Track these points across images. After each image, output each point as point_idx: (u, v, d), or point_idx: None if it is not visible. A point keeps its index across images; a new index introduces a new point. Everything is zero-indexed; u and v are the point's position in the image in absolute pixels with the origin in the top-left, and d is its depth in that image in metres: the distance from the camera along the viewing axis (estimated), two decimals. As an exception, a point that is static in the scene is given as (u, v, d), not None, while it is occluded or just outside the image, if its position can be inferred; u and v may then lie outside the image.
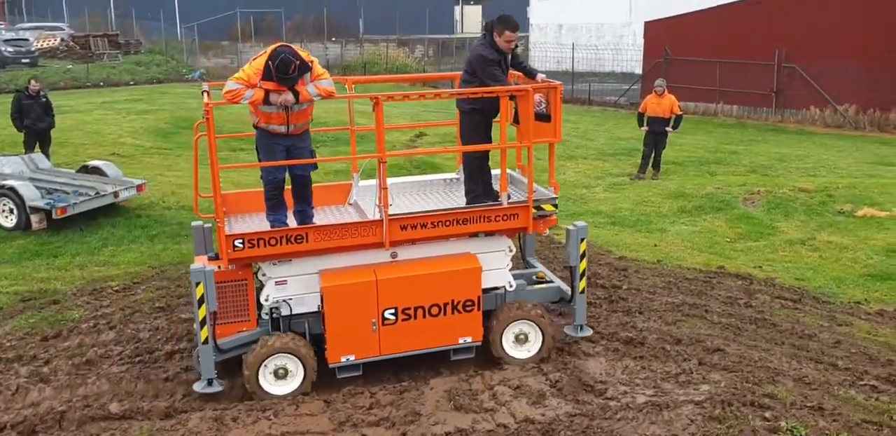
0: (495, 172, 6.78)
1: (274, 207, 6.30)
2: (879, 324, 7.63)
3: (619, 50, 29.46)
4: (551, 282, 7.26)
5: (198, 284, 5.82)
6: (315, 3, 42.36)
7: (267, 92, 5.85)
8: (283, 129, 6.08)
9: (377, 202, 6.21)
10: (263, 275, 6.20)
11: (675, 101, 14.14)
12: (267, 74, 5.81)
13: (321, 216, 6.72)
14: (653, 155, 14.41)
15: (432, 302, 6.30)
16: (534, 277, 7.39)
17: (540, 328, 6.65)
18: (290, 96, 5.89)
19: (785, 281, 8.82)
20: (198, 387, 6.07)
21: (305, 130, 6.27)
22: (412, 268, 6.33)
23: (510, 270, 6.78)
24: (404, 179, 7.64)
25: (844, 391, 6.13)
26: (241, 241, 5.87)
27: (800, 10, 21.22)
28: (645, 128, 14.34)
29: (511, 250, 6.71)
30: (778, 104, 22.00)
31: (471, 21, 53.58)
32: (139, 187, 11.54)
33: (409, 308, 6.27)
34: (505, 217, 6.46)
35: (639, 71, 26.79)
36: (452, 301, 6.34)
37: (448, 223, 6.34)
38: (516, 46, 6.81)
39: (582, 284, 6.79)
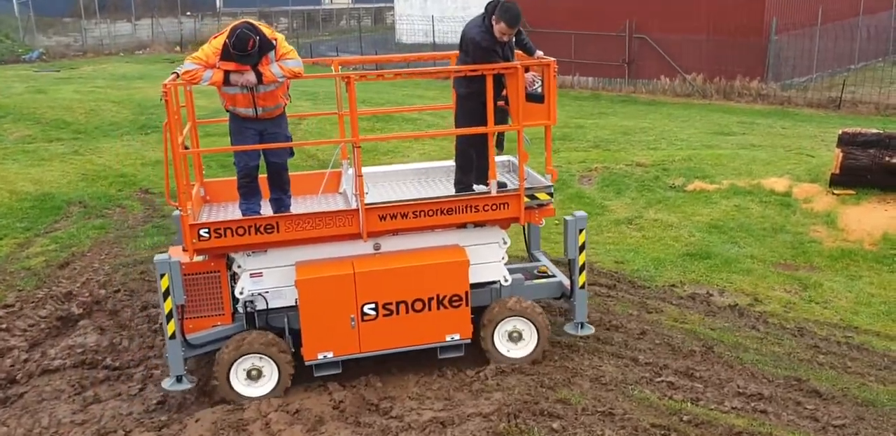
0: (500, 158, 6.54)
1: (246, 195, 6.03)
2: (689, 309, 7.49)
3: (481, 22, 28.91)
4: (553, 277, 6.75)
5: (162, 275, 5.54)
6: (167, -26, 39.68)
7: (227, 72, 5.51)
8: (250, 112, 5.78)
9: (354, 190, 5.81)
10: (238, 267, 5.88)
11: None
12: (226, 53, 5.48)
13: (307, 205, 6.27)
14: (496, 132, 14.01)
15: (415, 297, 5.93)
16: (535, 272, 6.91)
17: (535, 326, 6.18)
18: (251, 76, 5.54)
19: (604, 265, 8.60)
20: (166, 384, 5.78)
21: (279, 113, 5.93)
22: (393, 260, 5.96)
23: (509, 264, 6.47)
24: (404, 167, 7.29)
25: (640, 391, 5.88)
26: (206, 230, 5.58)
27: (647, -21, 21.33)
28: (501, 103, 13.88)
29: (505, 243, 6.31)
30: (631, 75, 22.17)
31: (338, -8, 51.85)
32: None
33: (390, 303, 5.90)
34: (494, 207, 6.05)
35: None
36: (437, 296, 5.96)
37: (431, 213, 5.95)
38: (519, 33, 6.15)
39: (582, 278, 6.38)
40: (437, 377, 6.14)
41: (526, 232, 7.37)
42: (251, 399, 5.77)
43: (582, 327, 6.51)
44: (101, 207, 10.82)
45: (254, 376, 5.81)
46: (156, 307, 7.40)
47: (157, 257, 5.64)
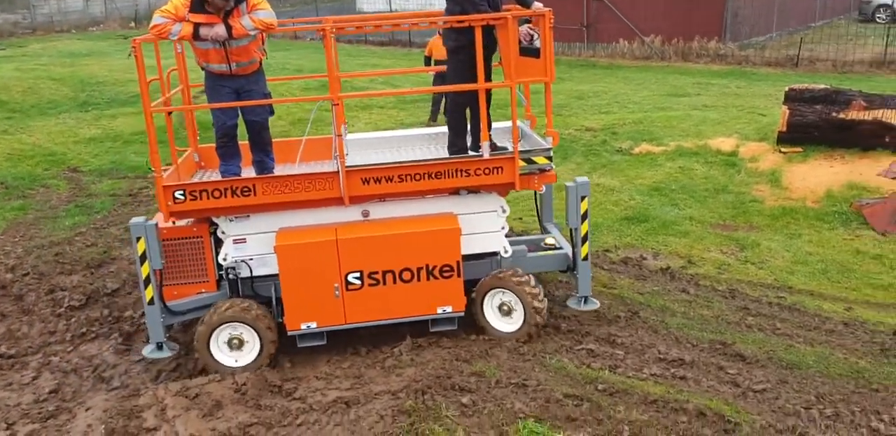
0: (501, 124, 6.25)
1: (224, 156, 5.86)
2: (620, 274, 7.25)
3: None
4: (560, 248, 6.37)
5: (138, 239, 5.39)
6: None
7: (196, 25, 5.37)
8: (224, 68, 5.62)
9: (335, 152, 5.52)
10: (222, 233, 5.70)
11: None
12: (195, 5, 5.35)
13: (299, 170, 5.93)
14: (443, 101, 13.63)
15: (403, 266, 5.61)
16: (542, 244, 6.55)
17: (520, 299, 5.80)
18: (221, 29, 5.40)
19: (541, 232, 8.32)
20: (146, 351, 5.68)
21: (255, 70, 5.77)
22: (379, 228, 5.66)
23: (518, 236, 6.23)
24: (407, 132, 7.03)
25: (557, 360, 5.64)
26: (182, 192, 5.40)
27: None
28: (432, 72, 13.48)
29: (505, 211, 5.92)
30: (589, 39, 21.73)
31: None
32: None
33: (375, 272, 5.60)
34: (487, 171, 5.64)
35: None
36: (427, 266, 5.62)
37: (418, 177, 5.57)
38: None
39: (584, 249, 5.96)
40: (350, 355, 5.87)
41: (538, 202, 6.97)
42: (234, 369, 5.57)
43: (586, 301, 6.14)
44: (24, 188, 10.36)
45: (235, 345, 5.62)
46: (63, 290, 7.05)
47: (133, 221, 5.47)
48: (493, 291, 5.89)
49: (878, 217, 8.25)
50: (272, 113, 6.00)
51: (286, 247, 5.51)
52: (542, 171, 5.81)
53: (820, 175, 9.51)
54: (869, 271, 7.18)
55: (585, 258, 5.97)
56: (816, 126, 10.72)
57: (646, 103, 14.60)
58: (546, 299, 5.93)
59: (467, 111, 5.96)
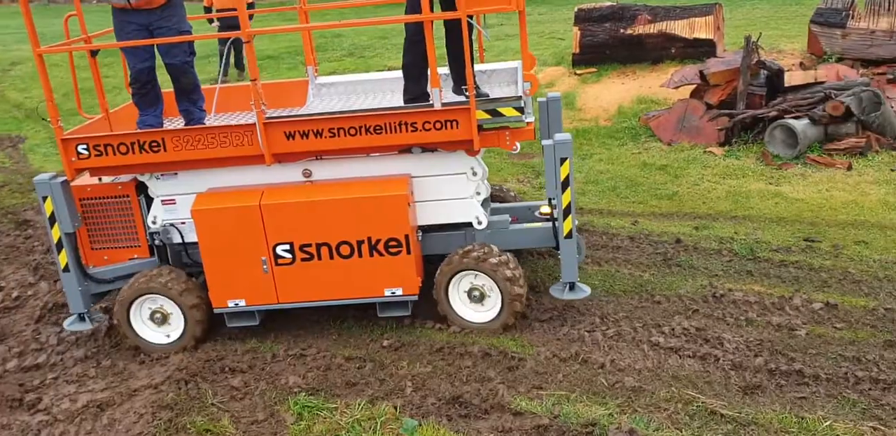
0: (484, 66, 5.46)
1: (140, 104, 5.24)
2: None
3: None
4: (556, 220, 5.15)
5: (45, 198, 4.85)
6: None
7: None
8: (121, 0, 4.91)
9: (261, 101, 4.64)
10: (151, 192, 5.11)
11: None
12: None
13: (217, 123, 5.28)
14: (232, 53, 12.69)
15: (340, 239, 4.79)
16: (537, 214, 5.51)
17: (495, 283, 4.86)
18: None
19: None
20: (66, 324, 5.18)
21: (161, 3, 4.99)
22: (310, 192, 4.86)
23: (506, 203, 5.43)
24: (382, 75, 5.95)
25: (347, 326, 5.23)
26: (85, 146, 4.80)
27: None
28: (216, 24, 12.45)
29: (475, 174, 4.94)
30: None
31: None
32: None
33: (308, 245, 4.81)
34: (438, 125, 4.62)
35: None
36: (369, 239, 4.78)
37: (353, 132, 4.67)
38: None
39: (567, 224, 4.82)
40: (112, 348, 5.22)
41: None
42: (159, 346, 5.06)
43: (572, 288, 4.95)
44: None
45: (158, 319, 5.05)
46: None
47: (38, 178, 4.91)
48: (461, 274, 4.95)
49: (663, 128, 8.33)
50: (193, 54, 5.24)
51: (204, 212, 4.83)
52: (520, 127, 4.83)
53: (612, 93, 9.53)
54: (655, 182, 7.22)
55: (569, 236, 4.86)
56: (607, 44, 10.75)
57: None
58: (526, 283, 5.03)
59: (425, 53, 4.72)
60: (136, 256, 5.27)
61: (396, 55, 13.25)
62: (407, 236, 4.76)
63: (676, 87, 8.92)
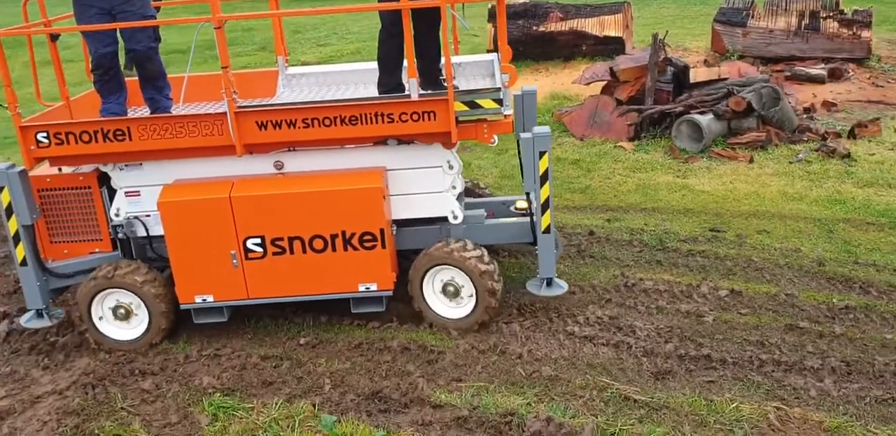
0: (459, 59, 5.30)
1: (102, 91, 5.03)
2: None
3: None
4: (532, 215, 5.12)
5: (1, 188, 4.69)
6: None
7: None
8: None
9: (232, 89, 4.46)
10: (114, 183, 4.94)
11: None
12: None
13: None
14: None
15: (313, 233, 4.68)
16: (513, 208, 5.43)
17: (469, 278, 4.74)
18: None
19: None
20: (23, 320, 5.00)
21: None
22: (282, 185, 4.74)
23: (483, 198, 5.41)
24: (355, 66, 5.78)
25: (263, 325, 5.13)
26: (45, 134, 4.63)
27: None
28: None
29: (452, 167, 4.85)
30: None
31: None
32: None
33: (279, 239, 4.69)
34: (415, 116, 4.52)
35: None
36: (343, 233, 4.67)
37: (328, 122, 4.56)
38: None
39: (545, 219, 4.75)
40: (12, 354, 4.96)
41: (522, 161, 5.62)
42: (122, 343, 4.89)
43: (549, 284, 4.96)
44: None
45: (121, 315, 4.88)
46: None
47: None
48: (435, 268, 4.89)
49: (576, 123, 8.50)
50: (158, 40, 5.12)
51: (171, 204, 4.66)
52: (497, 118, 4.76)
53: (526, 89, 9.65)
54: (569, 177, 7.37)
55: (547, 230, 4.84)
56: (521, 41, 10.89)
57: (364, 33, 14.16)
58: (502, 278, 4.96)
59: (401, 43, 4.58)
60: (97, 249, 5.09)
61: (311, 50, 13.09)
62: (382, 230, 4.70)
63: (588, 84, 9.12)
